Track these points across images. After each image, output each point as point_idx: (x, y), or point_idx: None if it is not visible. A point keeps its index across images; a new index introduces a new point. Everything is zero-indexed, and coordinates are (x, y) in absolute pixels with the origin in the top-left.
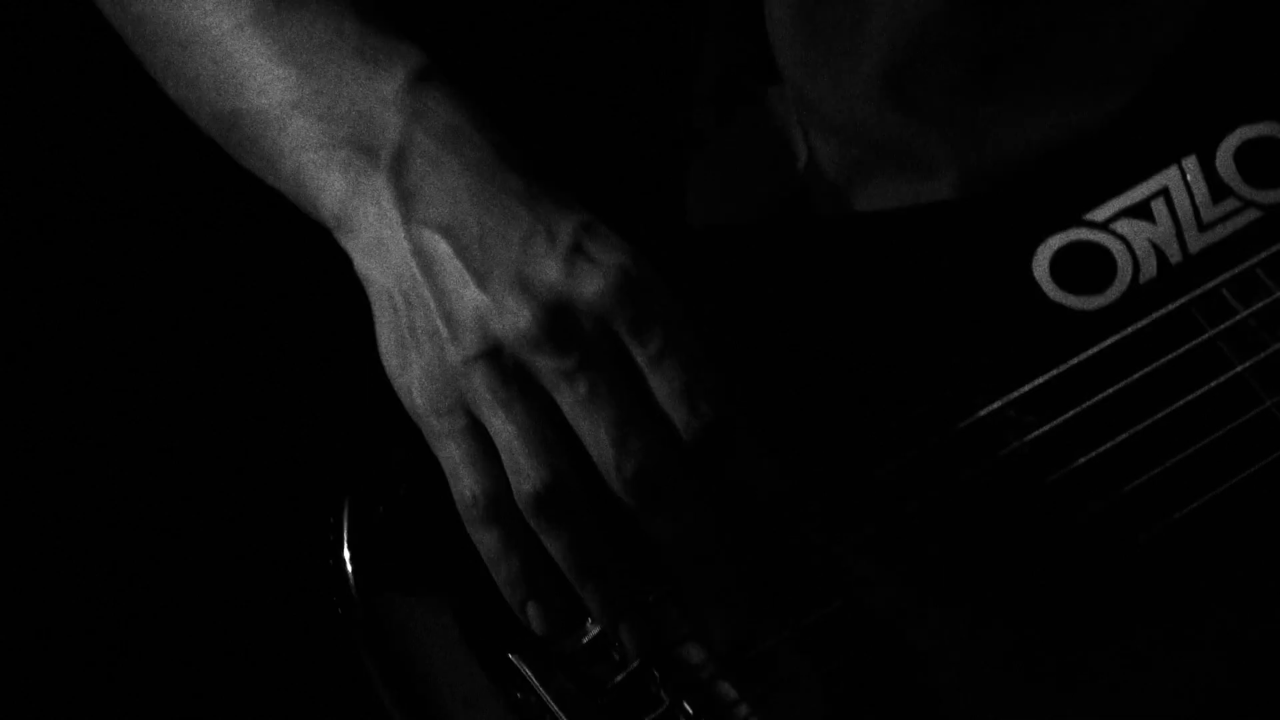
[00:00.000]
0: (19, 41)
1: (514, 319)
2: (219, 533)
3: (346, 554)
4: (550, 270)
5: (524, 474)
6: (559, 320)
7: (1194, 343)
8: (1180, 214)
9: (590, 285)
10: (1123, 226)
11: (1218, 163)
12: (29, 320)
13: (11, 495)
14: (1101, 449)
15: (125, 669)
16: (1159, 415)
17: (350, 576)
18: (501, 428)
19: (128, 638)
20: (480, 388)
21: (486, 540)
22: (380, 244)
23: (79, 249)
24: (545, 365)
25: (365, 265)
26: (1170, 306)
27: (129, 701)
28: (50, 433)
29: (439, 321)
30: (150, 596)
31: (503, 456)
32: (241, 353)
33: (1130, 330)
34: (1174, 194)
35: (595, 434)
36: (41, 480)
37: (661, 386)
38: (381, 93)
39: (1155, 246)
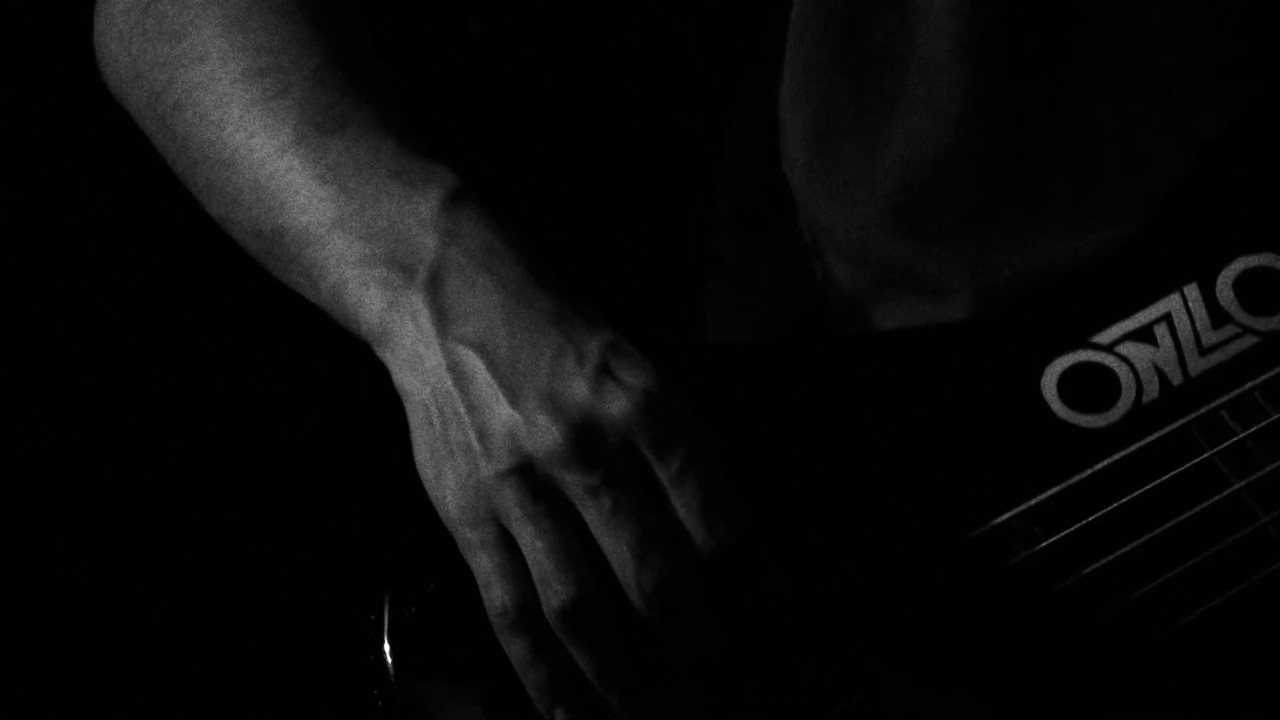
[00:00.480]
0: (19, 41)
1: (544, 436)
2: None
3: (387, 647)
4: (579, 389)
5: (552, 588)
6: (586, 438)
7: (1194, 462)
8: (1182, 338)
9: (616, 405)
10: (1127, 349)
11: (1218, 290)
12: (34, 326)
13: (18, 500)
14: (1104, 561)
15: (126, 669)
16: (1159, 530)
17: (391, 670)
18: (531, 542)
19: (129, 640)
20: (511, 502)
21: (516, 648)
22: (417, 358)
23: (80, 250)
24: (572, 481)
25: (403, 378)
26: (1171, 426)
27: (129, 702)
28: (69, 443)
29: (472, 436)
30: (156, 607)
31: (531, 570)
32: (285, 453)
33: (1133, 448)
34: (1176, 319)
35: (618, 549)
36: (45, 484)
37: (682, 505)
38: (418, 212)
39: (1158, 369)
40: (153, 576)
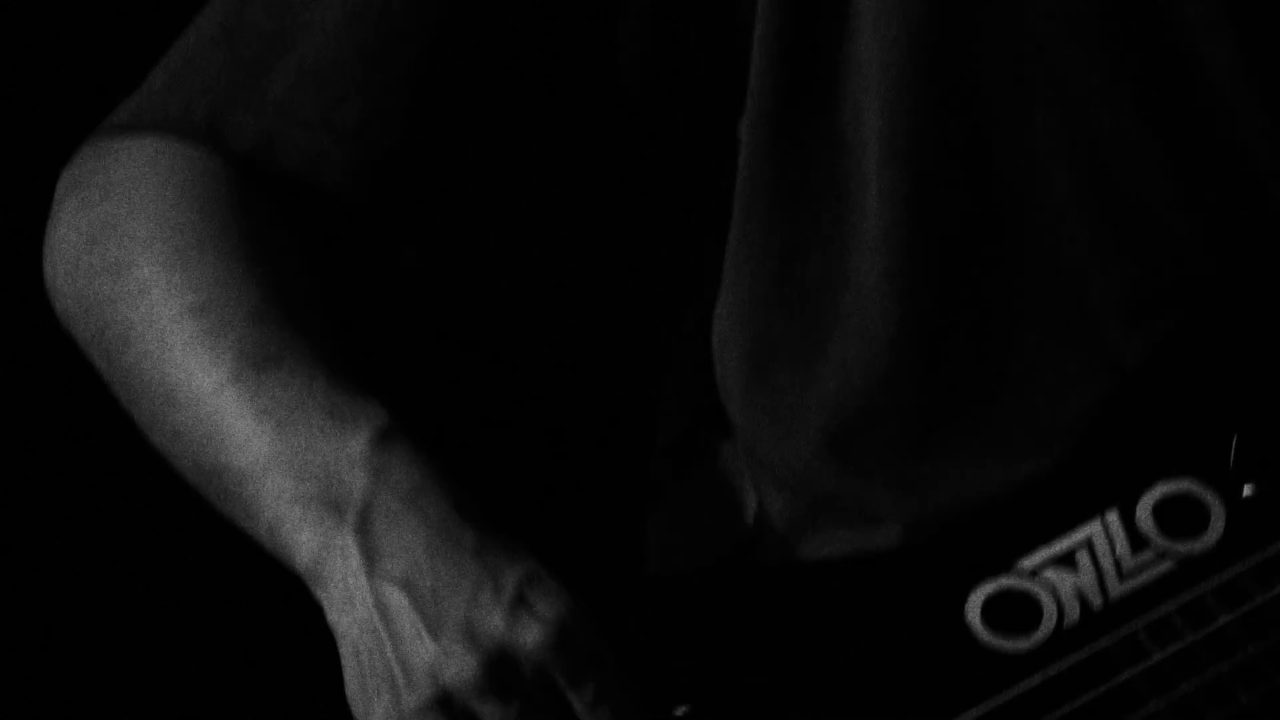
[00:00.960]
0: (19, 42)
1: (460, 668)
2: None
3: None
4: (495, 621)
5: None
6: (501, 669)
7: (1112, 684)
8: (1102, 564)
9: (530, 636)
10: (1050, 574)
11: (1138, 516)
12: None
13: (18, 500)
14: None
15: (126, 669)
16: None
17: None
18: None
19: (129, 640)
20: None
21: None
22: (348, 598)
23: None
24: (489, 712)
25: (335, 617)
26: (1091, 649)
27: (129, 702)
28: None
29: (396, 670)
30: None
31: None
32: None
33: (1054, 672)
34: (1097, 545)
35: None
36: (45, 484)
37: None
38: (349, 450)
39: (1079, 593)
40: (152, 577)
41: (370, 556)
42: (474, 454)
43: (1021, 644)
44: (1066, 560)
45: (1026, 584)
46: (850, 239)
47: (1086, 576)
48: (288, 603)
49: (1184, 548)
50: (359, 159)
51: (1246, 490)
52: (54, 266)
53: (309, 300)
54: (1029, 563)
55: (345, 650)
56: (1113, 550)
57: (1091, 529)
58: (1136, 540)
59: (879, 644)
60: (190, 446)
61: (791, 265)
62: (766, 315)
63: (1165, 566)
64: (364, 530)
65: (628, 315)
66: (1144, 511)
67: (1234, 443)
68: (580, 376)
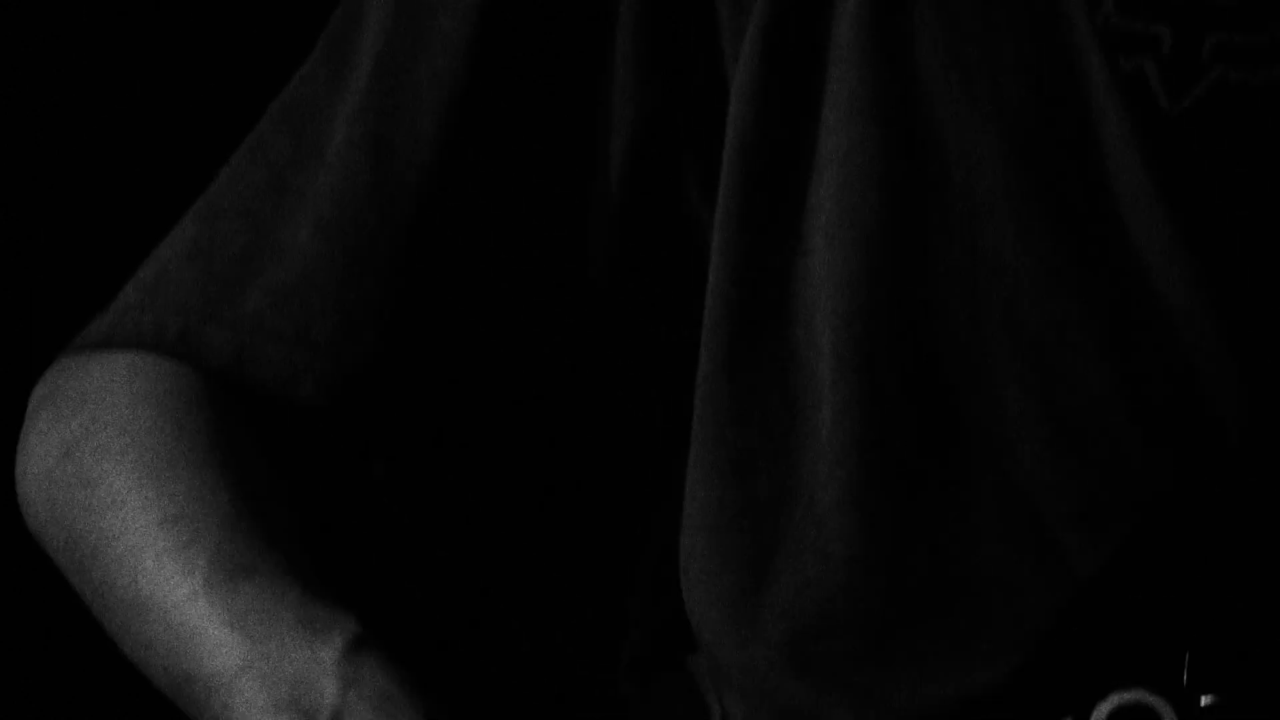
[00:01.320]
0: (19, 42)
1: None
2: None
3: None
4: None
5: None
6: None
7: None
8: None
9: None
10: None
11: None
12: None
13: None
14: None
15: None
16: None
17: None
18: None
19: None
20: None
21: None
22: None
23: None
24: None
25: None
26: None
27: (129, 702)
28: None
29: None
30: None
31: None
32: None
33: None
34: None
35: None
36: None
37: None
38: (321, 659)
39: None
40: None
41: None
42: (442, 663)
43: None
44: None
45: None
46: (800, 453)
47: None
48: None
49: None
50: (333, 372)
51: (1204, 700)
52: (27, 478)
53: (282, 514)
54: None
55: None
56: None
57: None
58: None
59: None
60: (161, 656)
61: (742, 478)
62: (722, 528)
63: None
64: None
65: (596, 526)
66: None
67: (1188, 654)
68: (549, 585)
